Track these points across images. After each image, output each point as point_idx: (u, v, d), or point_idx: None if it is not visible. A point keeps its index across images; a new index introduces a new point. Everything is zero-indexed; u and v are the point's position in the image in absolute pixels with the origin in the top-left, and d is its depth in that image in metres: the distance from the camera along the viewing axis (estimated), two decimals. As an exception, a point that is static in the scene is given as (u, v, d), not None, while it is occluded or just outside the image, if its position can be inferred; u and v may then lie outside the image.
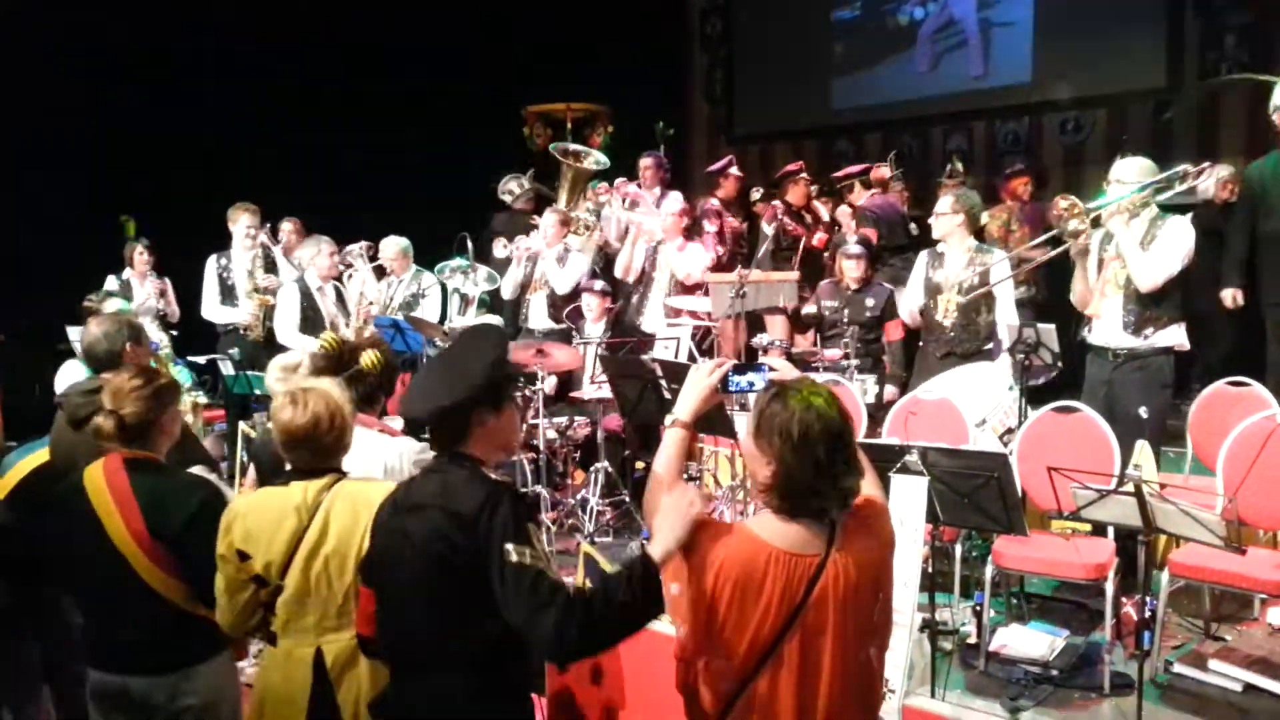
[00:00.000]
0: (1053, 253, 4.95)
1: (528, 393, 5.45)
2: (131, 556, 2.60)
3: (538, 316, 6.90)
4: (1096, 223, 4.48)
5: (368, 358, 3.00)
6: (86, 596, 2.75)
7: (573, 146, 7.81)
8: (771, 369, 2.34)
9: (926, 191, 8.66)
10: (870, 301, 5.72)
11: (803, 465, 1.99)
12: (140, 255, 6.97)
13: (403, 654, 2.20)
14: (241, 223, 6.62)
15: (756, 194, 8.06)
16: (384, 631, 2.23)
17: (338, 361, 2.98)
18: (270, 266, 6.70)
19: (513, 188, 8.12)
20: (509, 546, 2.01)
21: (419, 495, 2.17)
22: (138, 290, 6.85)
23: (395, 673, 2.24)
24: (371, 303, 6.55)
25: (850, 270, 5.85)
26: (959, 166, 7.80)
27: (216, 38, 8.39)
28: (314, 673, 2.41)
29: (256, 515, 2.44)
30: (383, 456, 2.86)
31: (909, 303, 5.38)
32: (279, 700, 2.44)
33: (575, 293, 6.74)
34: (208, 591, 2.54)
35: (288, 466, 2.53)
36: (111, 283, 6.77)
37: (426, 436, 2.35)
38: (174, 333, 6.52)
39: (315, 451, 2.45)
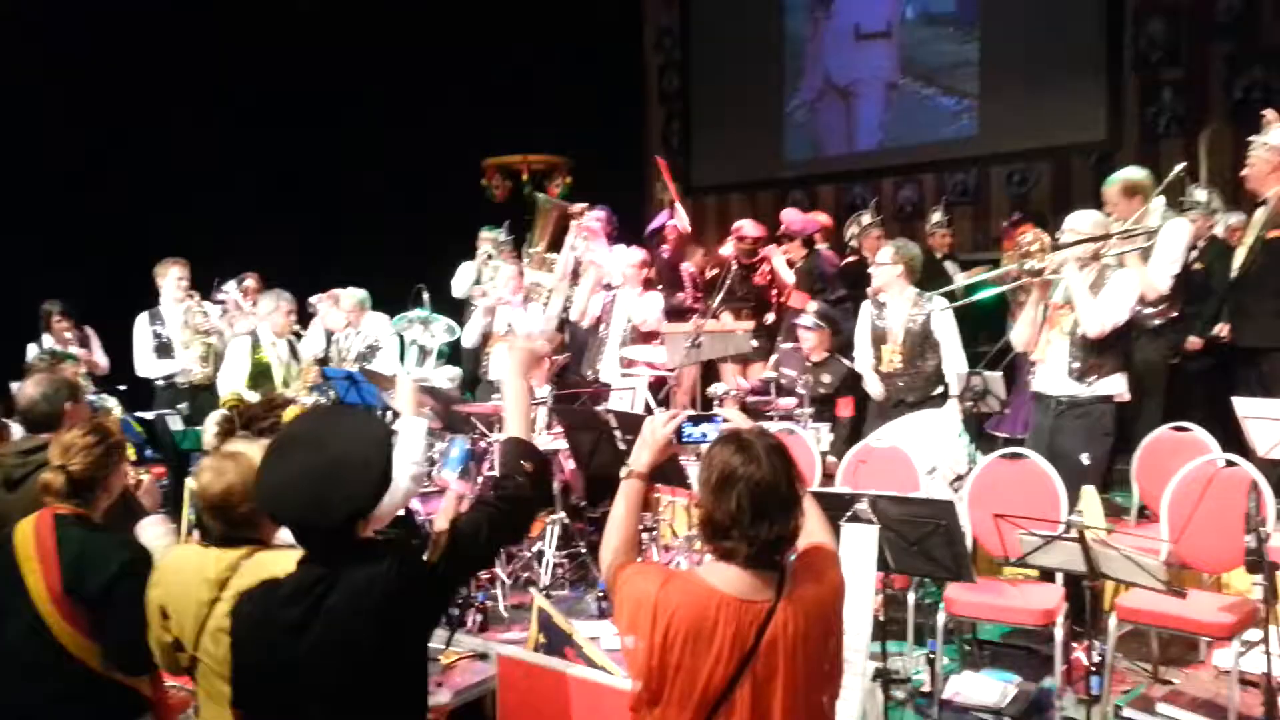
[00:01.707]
0: (1004, 288, 5.05)
1: (483, 445, 5.44)
2: (46, 614, 2.56)
3: (498, 368, 6.89)
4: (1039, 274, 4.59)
5: (288, 416, 2.89)
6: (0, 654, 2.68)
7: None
8: (725, 420, 2.37)
9: (885, 240, 8.86)
10: (827, 378, 5.75)
11: (719, 509, 2.04)
12: (58, 321, 6.78)
13: None
14: (171, 276, 6.56)
15: (696, 255, 8.10)
16: None
17: (239, 425, 2.89)
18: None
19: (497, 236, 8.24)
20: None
21: (312, 612, 1.99)
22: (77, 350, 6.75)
23: None
24: (318, 361, 6.49)
25: (807, 342, 5.94)
26: (865, 219, 7.96)
27: (169, 85, 8.35)
28: None
29: (175, 578, 2.38)
30: None
31: (863, 359, 5.47)
32: None
33: (531, 344, 6.72)
34: (121, 656, 2.49)
35: None
36: (32, 350, 6.61)
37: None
38: (122, 389, 6.42)
39: (229, 522, 2.36)
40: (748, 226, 7.33)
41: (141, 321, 6.51)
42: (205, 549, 2.39)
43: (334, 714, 2.01)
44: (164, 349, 6.49)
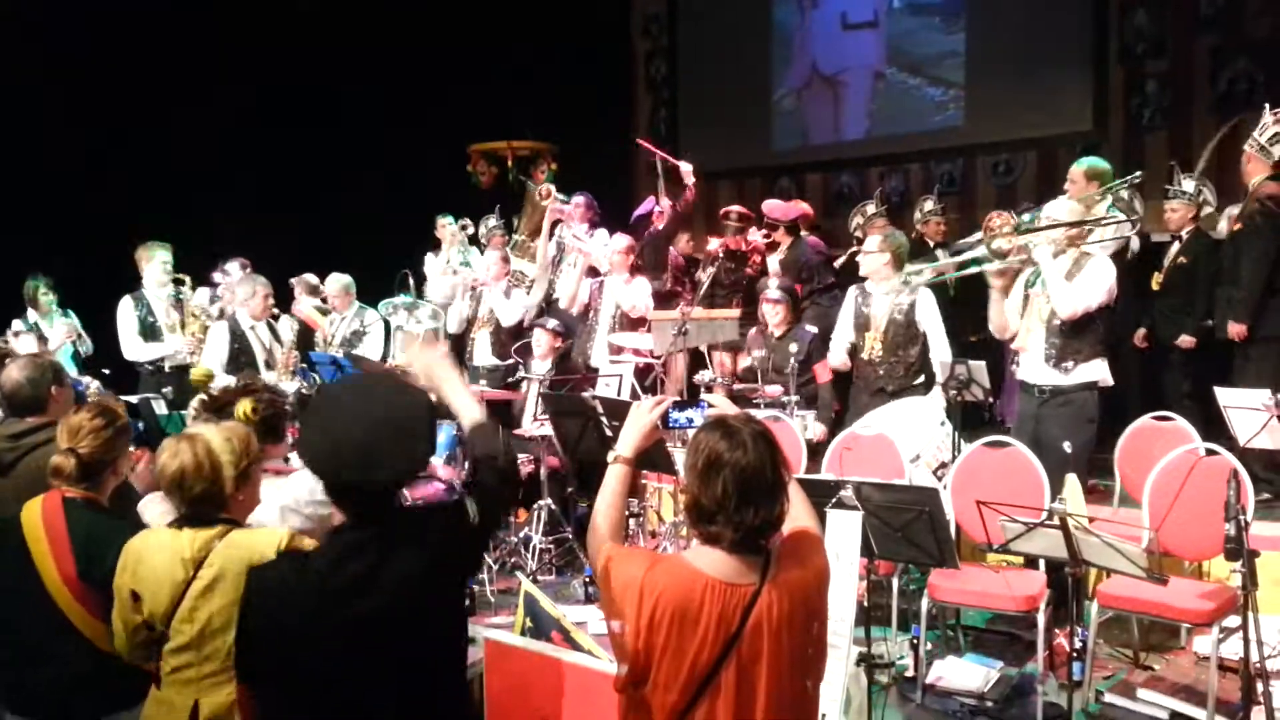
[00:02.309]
0: (964, 272, 5.09)
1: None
2: (59, 597, 2.57)
3: (482, 353, 6.89)
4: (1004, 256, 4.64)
5: (241, 407, 2.91)
6: (10, 636, 2.69)
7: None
8: (711, 405, 2.39)
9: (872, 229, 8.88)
10: (794, 347, 5.69)
11: (706, 494, 2.06)
12: (44, 296, 6.78)
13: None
14: (156, 260, 6.51)
15: (682, 240, 8.09)
16: None
17: (214, 410, 2.93)
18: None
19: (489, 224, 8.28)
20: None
21: (345, 578, 1.97)
22: (48, 331, 6.72)
23: None
24: (294, 350, 6.46)
25: (770, 315, 5.93)
26: (870, 209, 7.97)
27: (235, 63, 8.36)
28: None
29: (148, 558, 2.39)
30: (277, 500, 2.81)
31: (839, 340, 5.49)
32: None
33: (521, 329, 6.74)
34: None
35: None
36: (19, 326, 6.62)
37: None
38: (106, 372, 6.39)
39: (187, 500, 2.39)
40: (734, 210, 7.36)
41: (125, 305, 6.47)
42: (178, 531, 2.40)
43: (377, 677, 1.98)
44: (150, 332, 6.45)
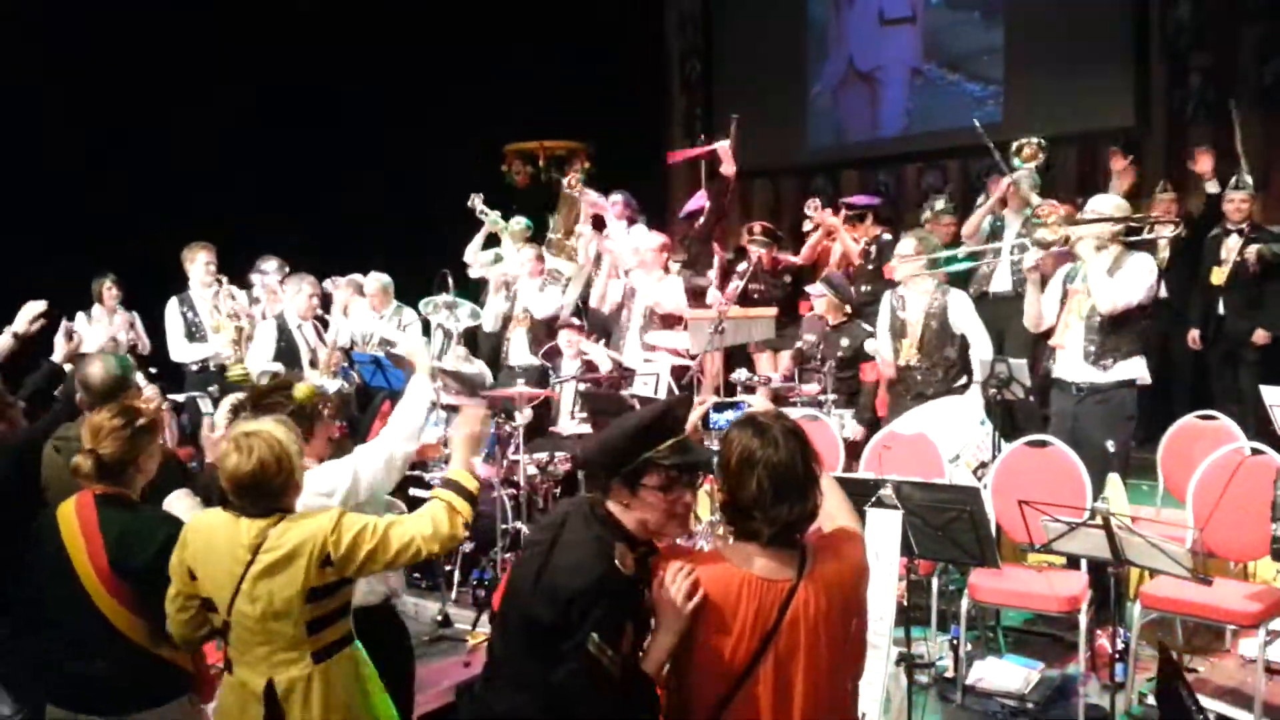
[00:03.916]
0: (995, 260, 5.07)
1: (507, 428, 5.48)
2: (94, 592, 2.62)
3: (519, 352, 6.93)
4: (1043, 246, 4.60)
5: (301, 391, 2.93)
6: (51, 630, 2.75)
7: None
8: (749, 405, 2.41)
9: (905, 227, 8.79)
10: (845, 341, 5.74)
11: (741, 491, 2.09)
12: (109, 290, 6.95)
13: (494, 660, 2.29)
14: (199, 261, 6.61)
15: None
16: (494, 627, 2.41)
17: (249, 405, 2.93)
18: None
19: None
20: (595, 636, 2.04)
21: (565, 534, 2.19)
22: (107, 325, 6.85)
23: (488, 671, 2.31)
24: (341, 348, 6.52)
25: (820, 306, 5.96)
26: (938, 204, 7.83)
27: (196, 74, 8.35)
28: (265, 704, 2.41)
29: (207, 540, 2.45)
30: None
31: (881, 349, 5.48)
32: None
33: (553, 330, 6.76)
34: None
35: None
36: (80, 319, 6.74)
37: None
38: (153, 370, 6.50)
39: (264, 495, 2.42)
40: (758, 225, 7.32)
41: (172, 306, 6.58)
42: (235, 518, 2.44)
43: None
44: (194, 333, 6.56)
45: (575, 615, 2.04)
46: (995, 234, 6.52)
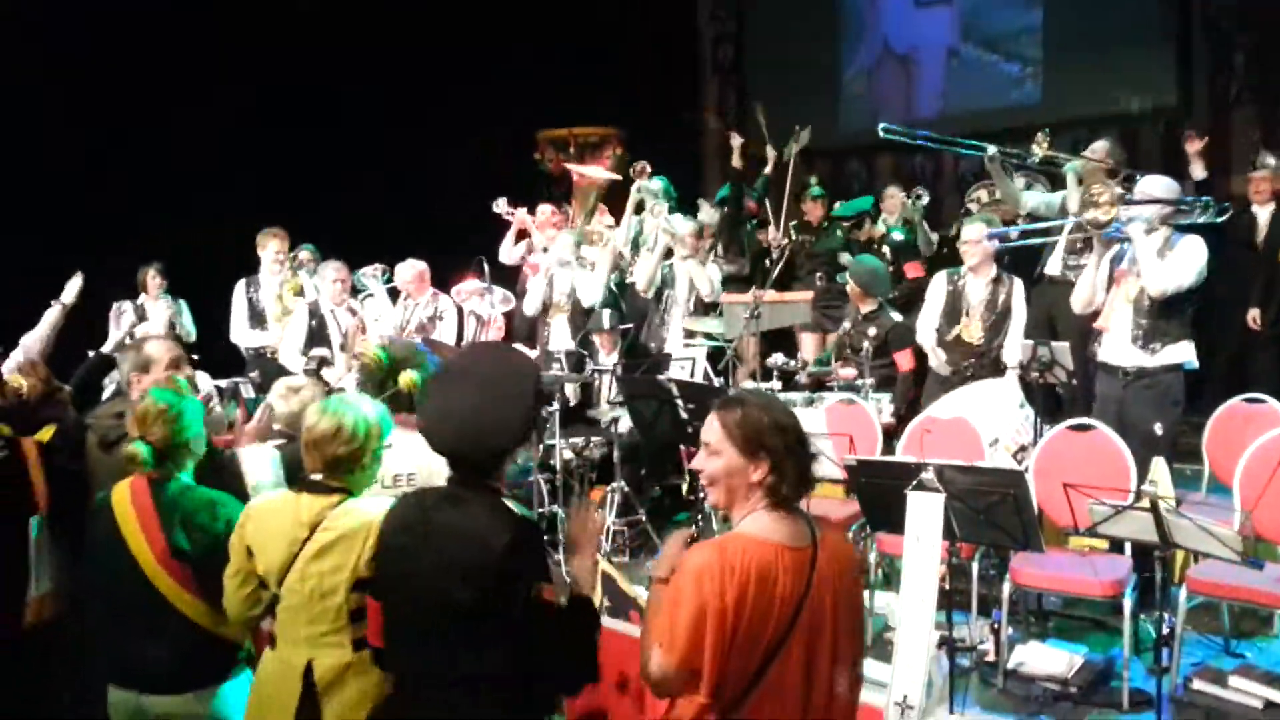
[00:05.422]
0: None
1: (544, 413, 5.49)
2: (154, 575, 2.66)
3: (559, 338, 6.93)
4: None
5: (406, 379, 3.00)
6: (110, 612, 2.79)
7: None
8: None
9: (942, 213, 8.71)
10: (873, 331, 5.70)
11: (797, 453, 2.15)
12: (154, 279, 7.03)
13: (413, 670, 2.25)
14: (270, 249, 6.67)
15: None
16: (394, 646, 2.29)
17: (378, 381, 3.02)
18: (301, 291, 6.75)
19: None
20: (540, 584, 2.13)
21: (440, 520, 2.21)
22: (152, 312, 6.92)
23: (402, 686, 2.29)
24: (365, 337, 6.54)
25: (853, 293, 5.94)
26: (983, 195, 7.73)
27: (196, 74, 8.33)
28: (303, 683, 2.44)
29: (266, 519, 2.53)
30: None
31: (927, 323, 5.42)
32: (271, 704, 2.49)
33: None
34: None
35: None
36: (127, 306, 6.82)
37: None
38: (194, 357, 6.57)
39: (326, 460, 2.50)
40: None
41: (239, 289, 6.65)
42: (298, 495, 2.52)
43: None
44: (258, 318, 6.62)
45: (510, 576, 2.10)
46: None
